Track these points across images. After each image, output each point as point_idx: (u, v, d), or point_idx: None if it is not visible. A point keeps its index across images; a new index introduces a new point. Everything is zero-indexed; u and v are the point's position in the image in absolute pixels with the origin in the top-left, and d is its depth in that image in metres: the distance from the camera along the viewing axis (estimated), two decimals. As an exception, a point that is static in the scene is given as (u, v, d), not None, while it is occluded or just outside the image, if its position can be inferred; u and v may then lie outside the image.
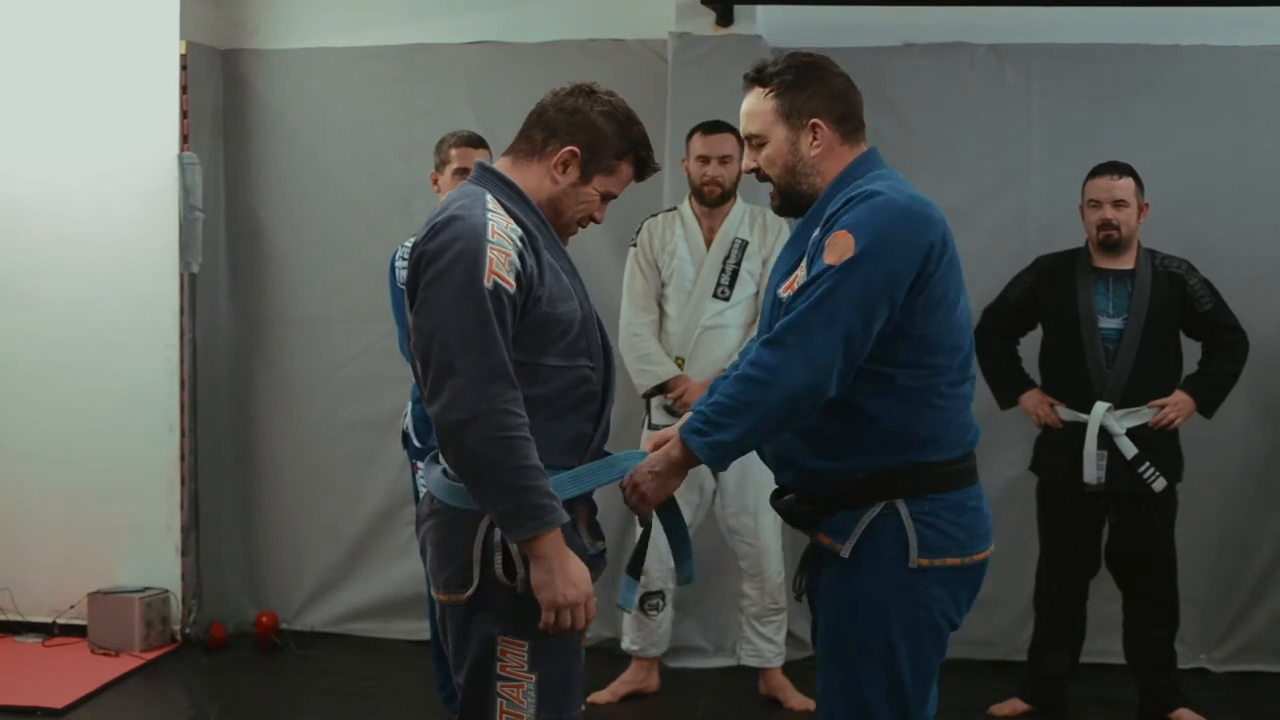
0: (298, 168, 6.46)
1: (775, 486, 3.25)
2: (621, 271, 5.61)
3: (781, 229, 5.39)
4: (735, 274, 5.41)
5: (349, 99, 6.42)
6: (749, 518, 5.44)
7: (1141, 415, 5.20)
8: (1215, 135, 5.93)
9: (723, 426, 2.95)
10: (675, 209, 5.57)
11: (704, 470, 5.31)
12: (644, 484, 3.06)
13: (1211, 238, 5.76)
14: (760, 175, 3.20)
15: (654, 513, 3.16)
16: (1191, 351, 5.35)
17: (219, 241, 6.46)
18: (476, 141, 5.02)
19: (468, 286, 2.77)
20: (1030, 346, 5.52)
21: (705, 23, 6.04)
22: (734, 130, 5.02)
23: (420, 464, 4.89)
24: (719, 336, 5.38)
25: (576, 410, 2.96)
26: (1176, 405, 5.22)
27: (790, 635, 5.61)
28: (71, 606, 6.26)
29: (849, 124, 3.14)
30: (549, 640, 2.88)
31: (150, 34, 6.23)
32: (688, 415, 3.07)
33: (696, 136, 5.39)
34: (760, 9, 6.08)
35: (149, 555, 6.29)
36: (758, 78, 3.15)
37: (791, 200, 3.16)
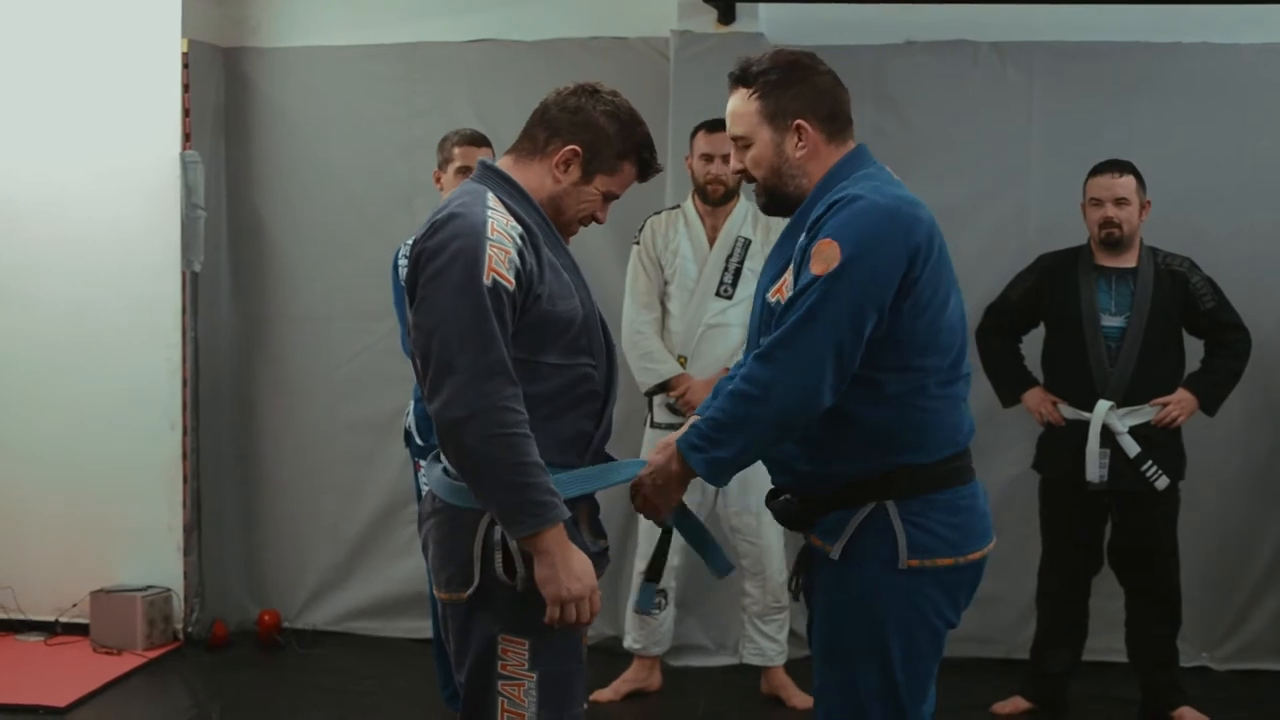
0: (299, 166, 6.45)
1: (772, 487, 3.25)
2: (624, 270, 5.61)
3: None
4: (738, 272, 5.40)
5: (350, 97, 6.42)
6: (751, 517, 5.44)
7: (1144, 413, 5.20)
8: (1216, 133, 5.92)
9: (719, 443, 2.94)
10: (678, 207, 5.57)
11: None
12: (648, 492, 3.06)
13: (1212, 236, 5.75)
14: (747, 176, 3.18)
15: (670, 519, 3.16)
16: (1194, 350, 5.34)
17: (221, 240, 6.46)
18: (479, 140, 5.02)
19: (467, 284, 2.77)
20: (1033, 345, 5.52)
21: (707, 20, 6.04)
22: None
23: (422, 463, 4.90)
24: (722, 335, 5.38)
25: (577, 408, 2.96)
26: (1179, 403, 5.21)
27: (792, 634, 5.61)
28: (74, 605, 6.27)
29: (835, 123, 3.10)
30: (550, 639, 2.88)
31: (152, 32, 6.23)
32: (688, 424, 3.07)
33: (700, 135, 5.39)
34: (762, 7, 6.08)
35: (151, 554, 6.30)
36: (742, 77, 3.11)
37: (777, 201, 3.14)
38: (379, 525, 6.42)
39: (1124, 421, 5.17)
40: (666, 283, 5.51)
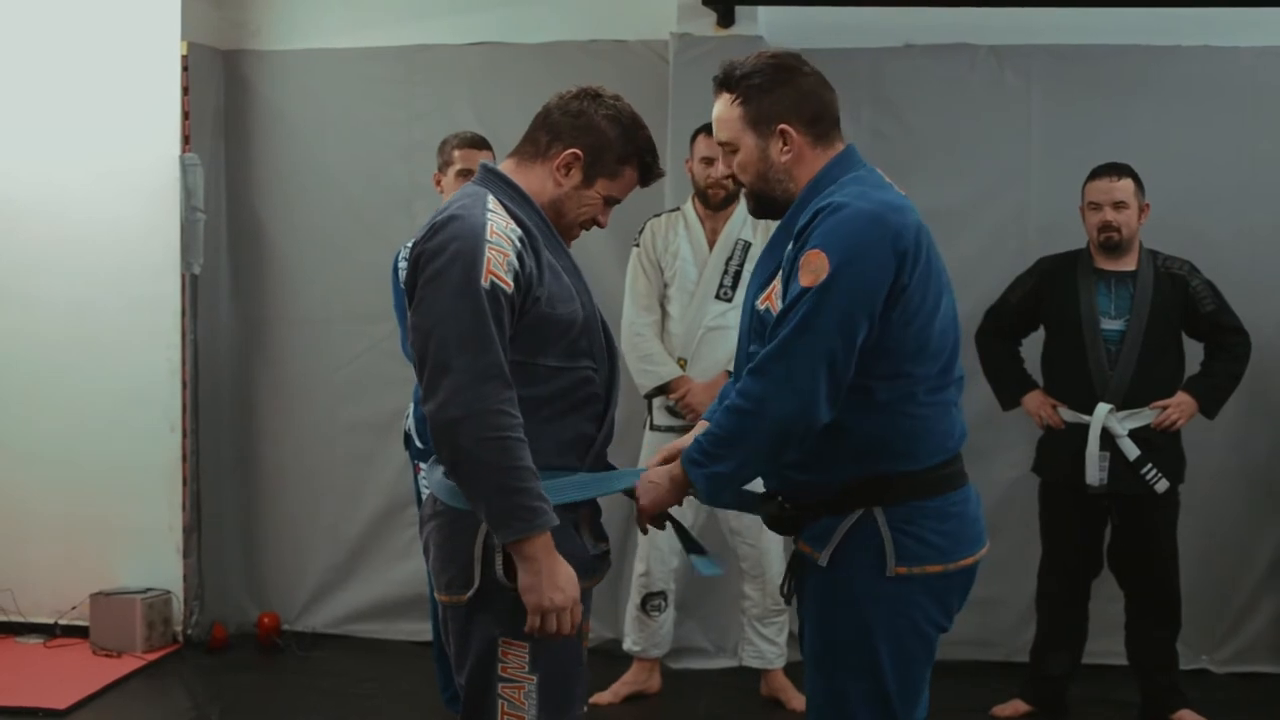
0: (299, 169, 6.46)
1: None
2: (624, 272, 5.61)
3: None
4: (738, 275, 5.40)
5: (350, 100, 6.43)
6: (750, 519, 5.43)
7: (1144, 416, 5.20)
8: (1216, 136, 5.92)
9: (718, 458, 2.92)
10: (678, 209, 5.57)
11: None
12: (641, 494, 3.05)
13: (1212, 239, 5.75)
14: (735, 180, 3.16)
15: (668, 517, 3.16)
16: (1193, 353, 5.34)
17: (220, 242, 6.46)
18: (479, 143, 5.02)
19: (465, 286, 2.77)
20: (1032, 348, 5.52)
21: (706, 24, 6.04)
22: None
23: (423, 465, 4.90)
24: (721, 337, 5.37)
25: (578, 411, 2.96)
26: (1179, 406, 5.22)
27: (792, 636, 5.60)
28: (73, 607, 6.27)
29: (820, 125, 3.04)
30: (550, 642, 2.88)
31: (152, 35, 6.23)
32: (695, 431, 3.07)
33: (700, 138, 5.39)
34: (761, 10, 6.08)
35: (150, 556, 6.30)
36: (725, 82, 3.07)
37: (765, 205, 3.11)
38: (379, 527, 6.42)
39: (1124, 424, 5.18)
40: (666, 285, 5.52)
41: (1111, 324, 5.22)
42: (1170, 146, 5.86)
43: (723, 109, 3.07)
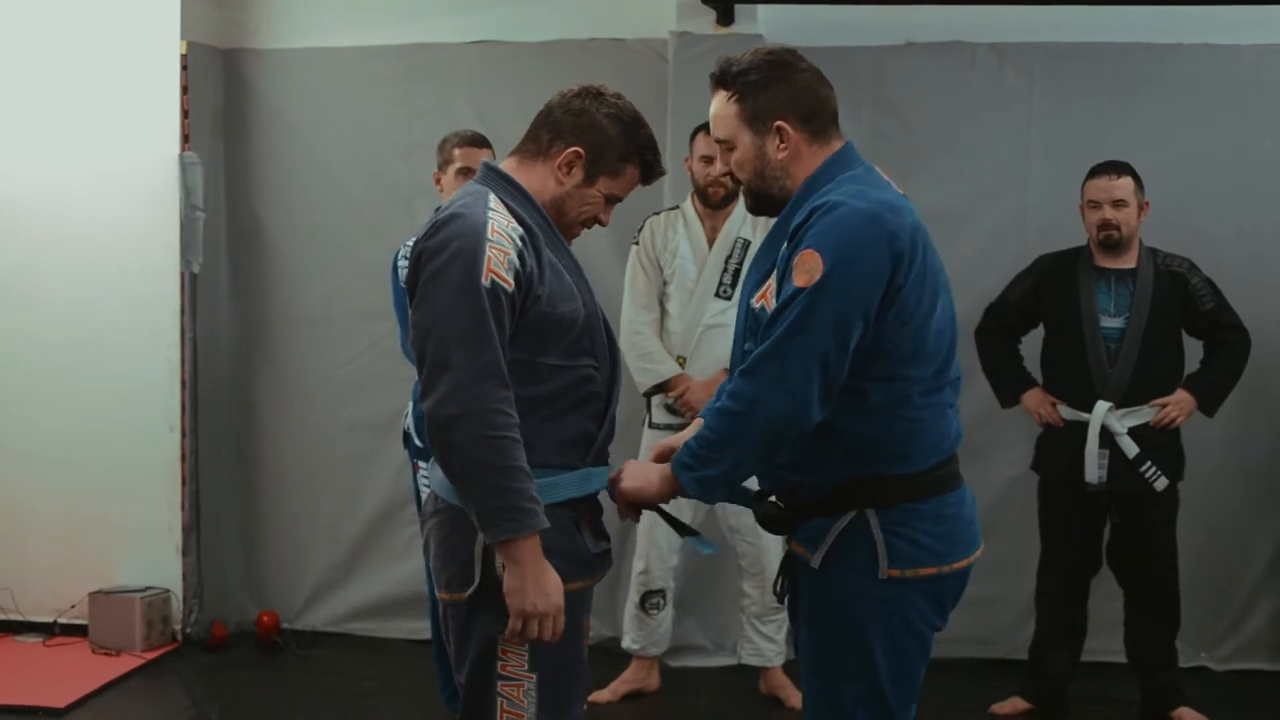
0: (299, 167, 6.46)
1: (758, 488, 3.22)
2: (623, 270, 5.60)
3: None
4: (737, 273, 5.39)
5: (350, 98, 6.42)
6: (749, 516, 5.43)
7: (1143, 414, 5.20)
8: (1217, 134, 5.93)
9: (709, 461, 2.90)
10: (677, 207, 5.57)
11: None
12: (626, 477, 3.05)
13: (1212, 237, 5.75)
14: (734, 178, 3.15)
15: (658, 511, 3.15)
16: (1193, 350, 5.34)
17: (220, 241, 6.46)
18: (480, 141, 5.02)
19: (465, 284, 2.77)
20: (1032, 345, 5.51)
21: (706, 22, 6.04)
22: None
23: (422, 464, 4.90)
24: (721, 335, 5.37)
25: (579, 409, 2.96)
26: (1178, 404, 5.22)
27: (791, 634, 5.61)
28: (72, 606, 6.27)
29: (817, 122, 3.02)
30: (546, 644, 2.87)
31: (151, 34, 6.23)
32: (690, 429, 3.06)
33: (699, 137, 5.39)
34: (761, 8, 6.08)
35: (150, 555, 6.29)
36: (721, 79, 3.06)
37: (763, 202, 3.09)
38: (378, 526, 6.42)
39: (1123, 422, 5.18)
40: (665, 283, 5.51)
41: (1111, 322, 5.22)
42: (1171, 145, 5.87)
43: (719, 106, 3.07)
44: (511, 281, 2.81)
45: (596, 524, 3.06)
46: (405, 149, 6.27)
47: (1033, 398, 5.39)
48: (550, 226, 2.98)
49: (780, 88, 3.00)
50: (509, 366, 2.79)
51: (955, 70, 6.06)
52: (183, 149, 6.21)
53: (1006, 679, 5.60)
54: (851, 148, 3.07)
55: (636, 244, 5.55)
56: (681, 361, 5.43)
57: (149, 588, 6.22)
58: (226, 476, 6.52)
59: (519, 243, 2.85)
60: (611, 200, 3.07)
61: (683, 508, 5.47)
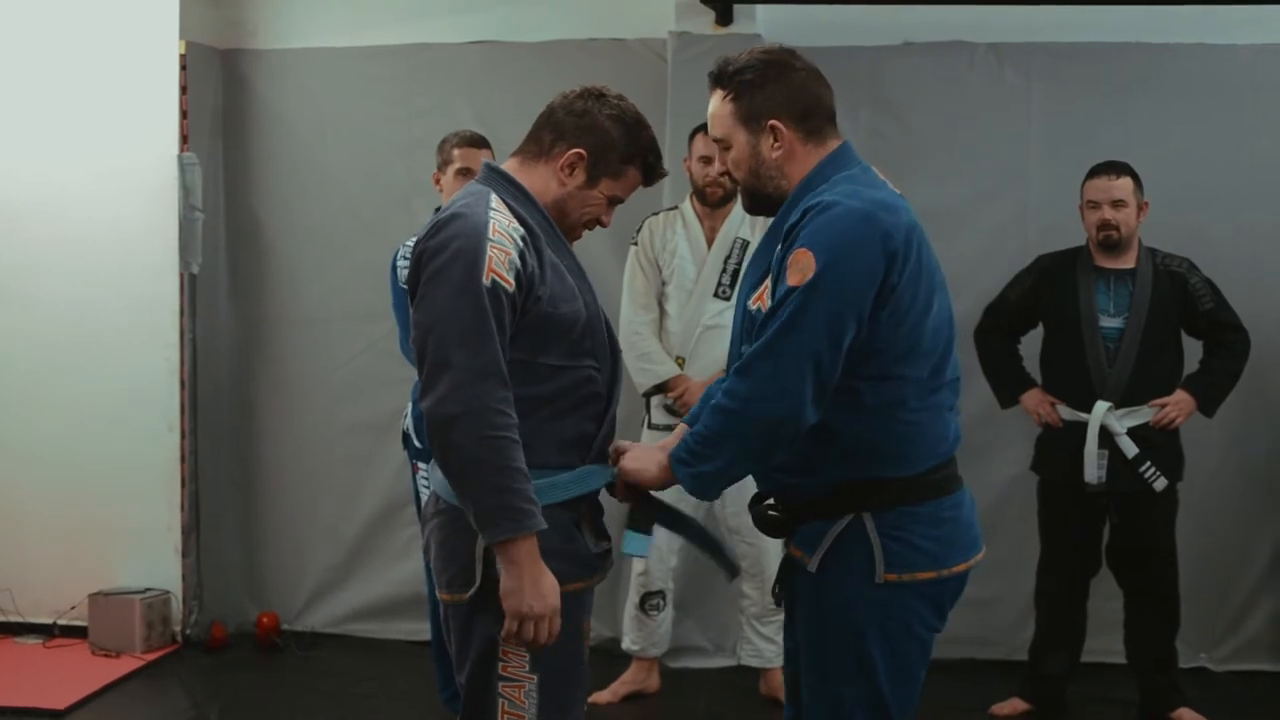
0: (298, 168, 6.45)
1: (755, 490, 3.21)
2: (622, 270, 5.60)
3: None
4: (736, 274, 5.39)
5: (349, 99, 6.42)
6: (749, 517, 5.42)
7: (1142, 414, 5.20)
8: (1214, 133, 5.93)
9: (705, 458, 2.91)
10: (676, 208, 5.57)
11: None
12: (627, 459, 3.04)
13: (1211, 236, 5.75)
14: (732, 178, 3.15)
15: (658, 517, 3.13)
16: (1193, 350, 5.34)
17: (219, 241, 6.46)
18: (479, 141, 5.02)
19: (466, 284, 2.77)
20: (1031, 345, 5.51)
21: (705, 22, 6.05)
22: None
23: (421, 464, 4.90)
24: (719, 336, 5.36)
25: (580, 410, 2.96)
26: (1177, 404, 5.21)
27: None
28: (72, 607, 6.26)
29: (812, 121, 3.01)
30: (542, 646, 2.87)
31: (150, 34, 6.23)
32: (677, 431, 3.06)
33: (698, 137, 5.39)
34: (760, 8, 6.08)
35: (149, 556, 6.29)
36: (718, 78, 3.05)
37: (759, 202, 3.08)
38: (378, 527, 6.42)
39: (1122, 422, 5.17)
40: (664, 283, 5.52)
41: (1110, 322, 5.22)
42: (1169, 144, 5.87)
43: (716, 105, 3.06)
44: (512, 281, 2.81)
45: (597, 524, 3.06)
46: (404, 149, 6.27)
47: (1032, 398, 5.39)
48: (552, 227, 2.98)
49: (775, 87, 2.99)
50: (509, 367, 2.79)
51: (954, 70, 6.06)
52: (181, 149, 6.21)
53: (1006, 680, 5.59)
54: (849, 147, 3.06)
55: (635, 244, 5.56)
56: (680, 362, 5.43)
57: (149, 589, 6.22)
58: (226, 477, 6.51)
59: (520, 243, 2.85)
60: (613, 202, 3.07)
61: (682, 509, 5.49)
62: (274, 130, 6.48)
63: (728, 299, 5.38)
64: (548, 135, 3.01)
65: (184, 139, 6.23)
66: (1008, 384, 5.48)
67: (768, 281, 2.95)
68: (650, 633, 5.61)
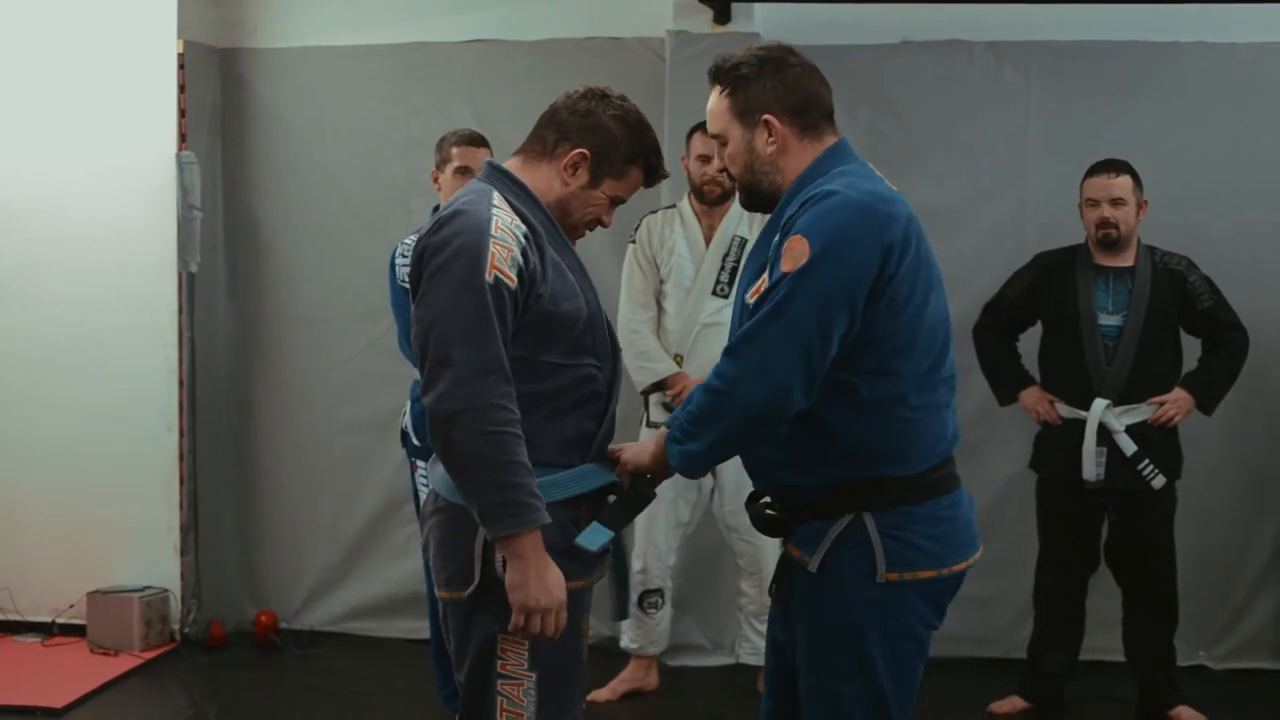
0: (296, 166, 6.45)
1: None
2: (620, 268, 5.60)
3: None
4: (734, 271, 5.39)
5: (347, 97, 6.42)
6: (747, 516, 5.42)
7: (1141, 412, 5.19)
8: (1214, 132, 5.92)
9: (693, 436, 2.92)
10: (674, 206, 5.57)
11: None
12: (626, 447, 3.06)
13: (1210, 235, 5.75)
14: (730, 175, 3.16)
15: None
16: (1191, 349, 5.34)
17: (217, 241, 6.45)
18: (478, 140, 5.02)
19: (468, 280, 2.77)
20: (1030, 343, 5.51)
21: (703, 21, 6.04)
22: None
23: (420, 463, 4.90)
24: (718, 334, 5.36)
25: (580, 408, 2.96)
26: (1176, 402, 5.21)
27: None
28: (71, 606, 6.26)
29: (806, 116, 3.02)
30: (549, 638, 2.87)
31: (148, 33, 6.22)
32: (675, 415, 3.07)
33: (696, 136, 5.39)
34: (758, 7, 6.08)
35: (148, 555, 6.29)
36: (716, 74, 3.07)
37: (755, 198, 3.09)
38: (376, 526, 6.42)
39: (1120, 420, 5.17)
40: (662, 281, 5.52)
41: (1109, 319, 5.21)
42: (1169, 143, 5.86)
43: (713, 101, 3.08)
44: (515, 278, 2.81)
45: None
46: (403, 148, 6.27)
47: (1030, 395, 5.39)
48: (554, 226, 2.99)
49: (770, 82, 3.01)
50: (511, 364, 2.79)
51: (952, 69, 6.06)
52: (180, 148, 6.20)
53: (1005, 678, 5.60)
54: (846, 144, 3.07)
55: (633, 242, 5.56)
56: (679, 360, 5.43)
57: (147, 587, 6.22)
58: (224, 476, 6.51)
59: (523, 240, 2.86)
60: (615, 202, 3.08)
61: (681, 508, 5.51)
62: (272, 129, 6.48)
63: (726, 297, 5.38)
64: (551, 135, 3.01)
65: (182, 138, 6.23)
66: (1006, 381, 5.48)
67: (765, 275, 2.95)
68: (649, 631, 5.61)
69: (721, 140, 3.09)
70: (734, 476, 5.29)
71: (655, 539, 5.50)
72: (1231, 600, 6.02)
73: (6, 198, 6.33)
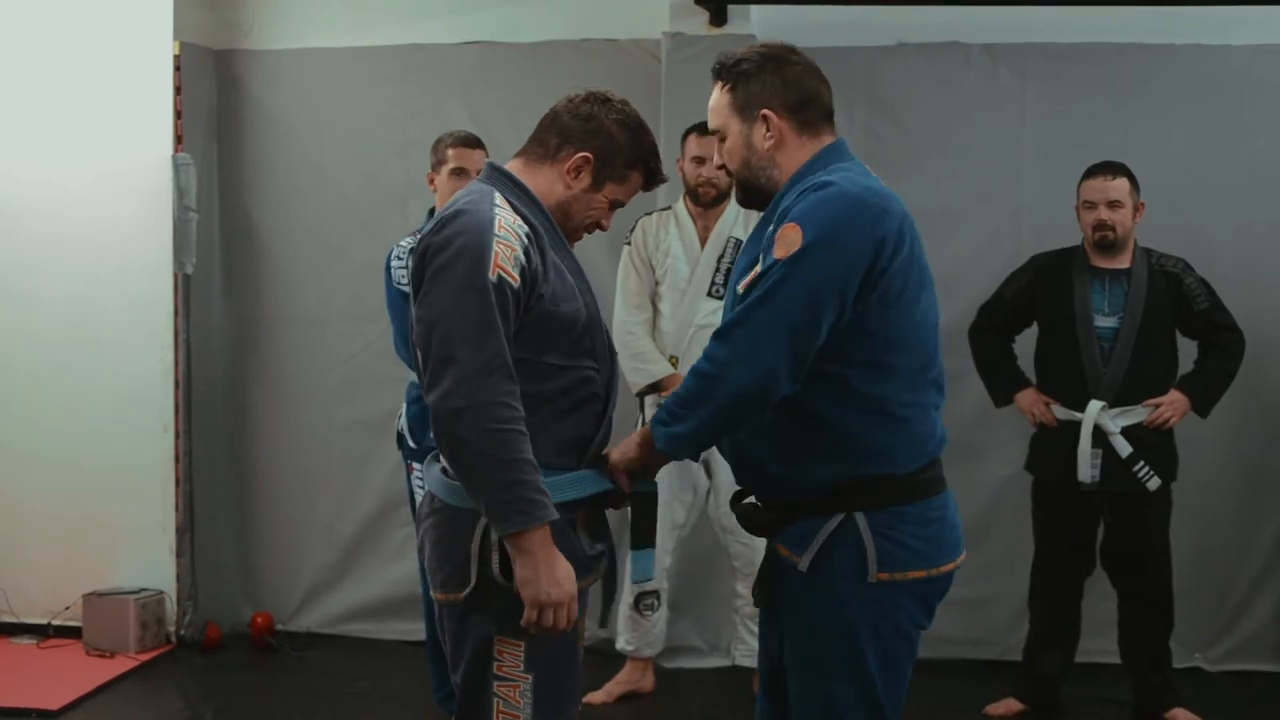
0: (292, 168, 6.45)
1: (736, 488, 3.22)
2: (616, 270, 5.60)
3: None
4: (729, 273, 5.38)
5: (343, 99, 6.42)
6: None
7: (1136, 414, 5.20)
8: (1210, 134, 5.93)
9: (679, 419, 2.93)
10: (669, 208, 5.57)
11: (698, 470, 5.34)
12: (613, 451, 3.05)
13: (1208, 237, 5.75)
14: (727, 172, 3.17)
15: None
16: (1188, 351, 5.35)
17: (213, 242, 6.45)
18: (473, 142, 5.03)
19: (472, 279, 2.78)
20: (1026, 344, 5.51)
21: (699, 23, 6.05)
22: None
23: (416, 464, 4.90)
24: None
25: (579, 410, 2.97)
26: (1171, 404, 5.22)
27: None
28: (66, 608, 6.26)
29: (805, 113, 3.04)
30: (546, 640, 2.88)
31: (144, 35, 6.22)
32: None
33: (691, 137, 5.40)
34: (754, 9, 6.08)
35: (144, 556, 6.29)
36: (718, 71, 3.10)
37: (750, 193, 3.11)
38: (373, 527, 6.41)
39: (1116, 422, 5.18)
40: (658, 283, 5.52)
41: (1105, 321, 5.22)
42: (1166, 145, 5.86)
43: (715, 97, 3.10)
44: (517, 277, 2.82)
45: (592, 526, 3.06)
46: (399, 149, 6.27)
47: (1026, 397, 5.39)
48: (554, 228, 3.00)
49: (770, 78, 3.03)
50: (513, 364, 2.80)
51: (949, 70, 6.06)
52: (176, 150, 6.20)
53: (1000, 680, 5.60)
54: (843, 144, 3.08)
55: (628, 244, 5.56)
56: (674, 361, 5.43)
57: (143, 589, 6.22)
58: (221, 478, 6.51)
59: (525, 240, 2.87)
60: (615, 205, 3.10)
61: (676, 509, 5.50)
62: (268, 131, 6.48)
63: (721, 298, 5.38)
64: (553, 138, 3.02)
65: (178, 139, 6.23)
66: (1002, 383, 5.48)
67: (759, 266, 2.96)
68: (645, 633, 5.61)
69: (721, 135, 3.11)
70: (730, 478, 5.27)
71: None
72: (1228, 602, 6.02)
73: (5, 198, 6.33)
